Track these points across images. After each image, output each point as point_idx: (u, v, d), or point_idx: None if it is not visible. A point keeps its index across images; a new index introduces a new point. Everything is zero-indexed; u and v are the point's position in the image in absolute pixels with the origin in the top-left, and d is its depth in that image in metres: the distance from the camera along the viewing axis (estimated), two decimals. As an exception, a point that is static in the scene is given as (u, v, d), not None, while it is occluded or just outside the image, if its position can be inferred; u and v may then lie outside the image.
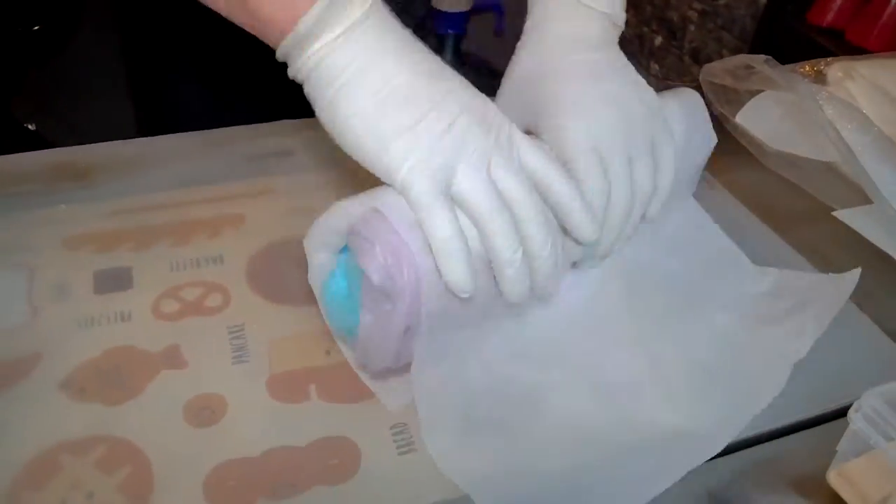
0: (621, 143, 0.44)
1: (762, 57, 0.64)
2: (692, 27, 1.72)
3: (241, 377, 0.44)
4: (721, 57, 1.63)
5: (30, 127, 1.87)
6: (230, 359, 0.45)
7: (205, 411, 0.42)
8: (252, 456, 0.40)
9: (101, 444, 0.40)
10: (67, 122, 1.87)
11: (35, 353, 0.45)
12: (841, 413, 0.41)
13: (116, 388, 0.43)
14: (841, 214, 0.62)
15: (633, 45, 1.89)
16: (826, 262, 0.57)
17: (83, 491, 0.37)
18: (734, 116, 0.71)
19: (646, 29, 1.85)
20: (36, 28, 1.44)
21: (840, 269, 0.53)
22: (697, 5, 1.68)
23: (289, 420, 0.42)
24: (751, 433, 0.44)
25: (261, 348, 0.46)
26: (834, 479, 0.41)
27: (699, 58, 1.73)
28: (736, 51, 1.59)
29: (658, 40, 1.84)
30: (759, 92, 0.71)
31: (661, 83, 1.89)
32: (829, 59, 0.75)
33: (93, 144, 0.64)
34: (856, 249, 0.60)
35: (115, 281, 0.50)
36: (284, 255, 0.54)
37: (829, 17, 1.23)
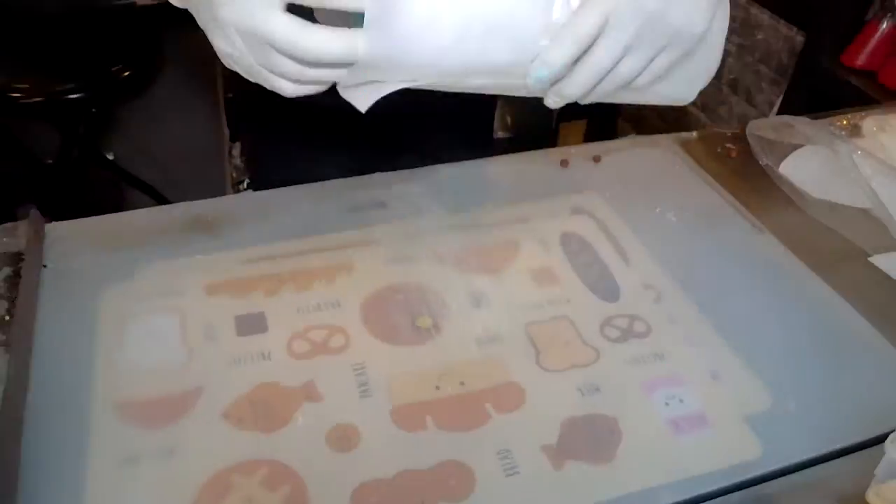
0: (631, 28, 0.45)
1: (803, 119, 0.70)
2: (731, 59, 1.77)
3: (369, 409, 0.52)
4: (760, 89, 1.69)
5: (108, 156, 1.99)
6: (357, 393, 0.53)
7: (342, 439, 0.50)
8: (387, 477, 0.47)
9: (263, 466, 0.48)
10: (145, 153, 1.99)
11: (197, 388, 0.53)
12: (880, 440, 0.48)
13: (268, 419, 0.51)
14: (876, 259, 0.68)
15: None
16: (864, 304, 0.63)
17: (255, 505, 0.45)
18: (778, 167, 0.78)
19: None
20: (127, 73, 1.55)
21: (877, 310, 0.60)
22: (736, 39, 1.74)
23: (412, 446, 0.50)
24: (799, 458, 0.51)
25: (381, 384, 0.54)
26: (873, 498, 0.48)
27: (737, 89, 1.78)
28: (773, 83, 1.64)
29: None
30: (800, 145, 0.78)
31: (699, 112, 1.94)
32: (863, 113, 0.81)
33: (215, 199, 0.73)
34: (891, 291, 0.66)
35: (252, 324, 0.59)
36: (391, 300, 0.61)
37: (862, 59, 1.28)
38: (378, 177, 0.76)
